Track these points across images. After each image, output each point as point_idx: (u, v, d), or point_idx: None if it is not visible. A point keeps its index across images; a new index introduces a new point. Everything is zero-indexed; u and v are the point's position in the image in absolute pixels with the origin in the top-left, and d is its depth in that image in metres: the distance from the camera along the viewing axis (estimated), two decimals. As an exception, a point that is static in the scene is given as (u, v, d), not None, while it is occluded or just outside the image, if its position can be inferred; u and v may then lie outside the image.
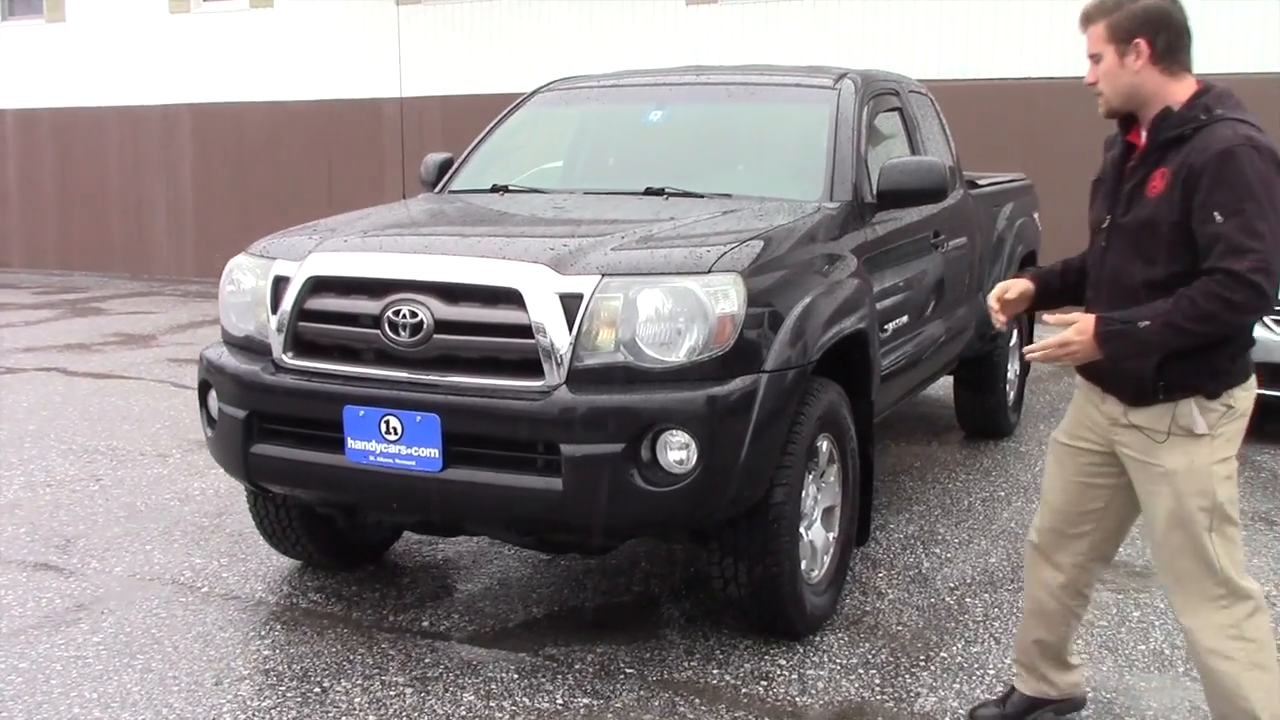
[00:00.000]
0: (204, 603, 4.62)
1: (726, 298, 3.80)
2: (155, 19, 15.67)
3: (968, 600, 4.65)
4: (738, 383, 3.80)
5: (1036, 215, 7.58)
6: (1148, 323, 2.88)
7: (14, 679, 3.96)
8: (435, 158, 5.67)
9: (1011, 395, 7.20)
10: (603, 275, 3.80)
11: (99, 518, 5.66)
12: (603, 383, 3.77)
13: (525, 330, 3.78)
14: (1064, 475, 3.34)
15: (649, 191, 4.91)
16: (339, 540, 4.81)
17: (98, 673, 4.00)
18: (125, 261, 16.03)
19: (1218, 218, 2.82)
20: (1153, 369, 2.99)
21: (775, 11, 12.32)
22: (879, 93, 5.54)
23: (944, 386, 7.43)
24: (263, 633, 4.36)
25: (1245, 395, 3.04)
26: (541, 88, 5.88)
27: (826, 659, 4.13)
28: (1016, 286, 3.34)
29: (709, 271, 3.82)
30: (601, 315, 3.78)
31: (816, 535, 4.34)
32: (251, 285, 4.30)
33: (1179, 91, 2.99)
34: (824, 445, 4.29)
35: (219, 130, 15.34)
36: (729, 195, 4.84)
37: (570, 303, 3.77)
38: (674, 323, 3.78)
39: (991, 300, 3.33)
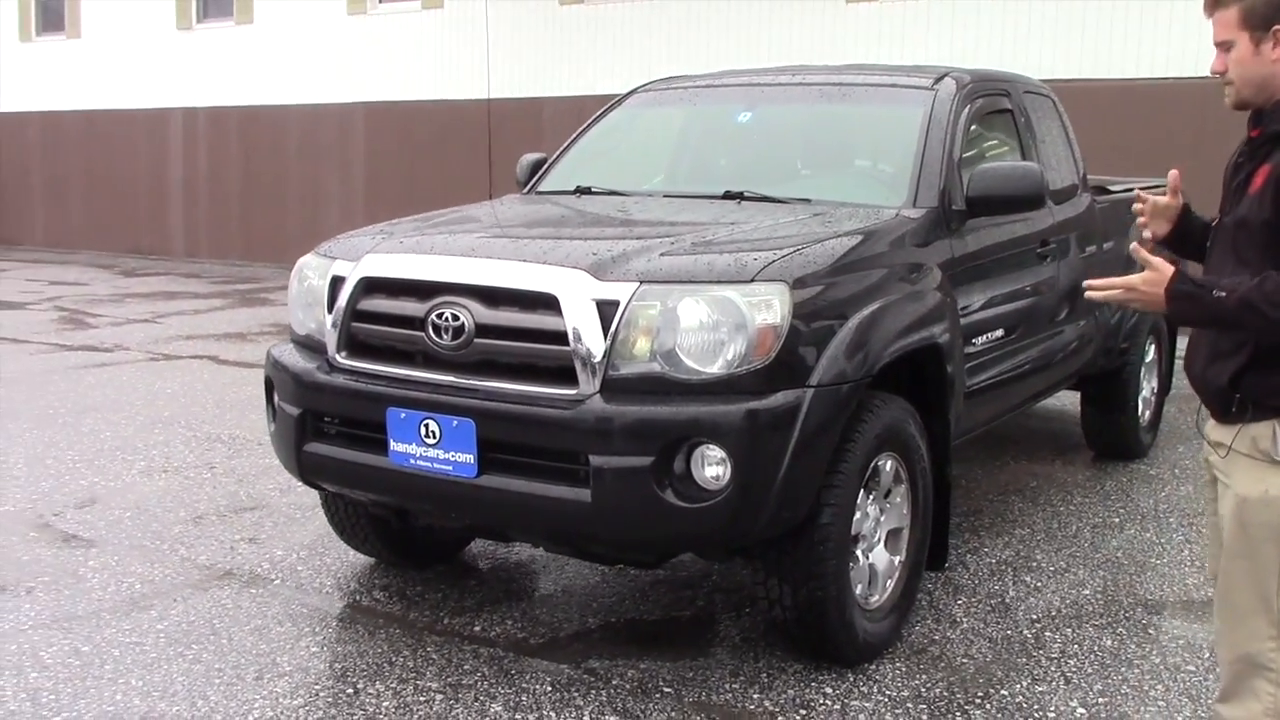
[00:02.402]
0: (272, 596, 4.70)
1: (769, 308, 3.63)
2: (334, 20, 16.21)
3: (1047, 635, 4.35)
4: (779, 397, 3.63)
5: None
6: (1224, 293, 2.61)
7: (73, 662, 4.08)
8: (529, 158, 5.65)
9: (1147, 414, 6.75)
10: (640, 282, 3.69)
11: (201, 505, 5.83)
12: (638, 393, 3.65)
13: (561, 337, 3.69)
14: (1206, 499, 3.07)
15: (727, 195, 4.76)
16: (408, 539, 4.82)
17: (150, 660, 4.10)
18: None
19: None
20: (1227, 382, 2.74)
21: (938, 10, 11.92)
22: (985, 94, 5.24)
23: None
24: (317, 629, 4.39)
25: None
26: (637, 88, 5.78)
27: (877, 690, 3.92)
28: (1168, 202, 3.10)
29: (752, 280, 3.67)
30: (638, 323, 3.66)
31: (878, 558, 4.14)
32: (314, 284, 4.35)
33: None
34: (887, 465, 4.08)
35: (390, 128, 15.77)
36: (808, 200, 4.65)
37: (607, 310, 3.66)
38: (714, 333, 3.63)
39: (1138, 204, 3.10)
